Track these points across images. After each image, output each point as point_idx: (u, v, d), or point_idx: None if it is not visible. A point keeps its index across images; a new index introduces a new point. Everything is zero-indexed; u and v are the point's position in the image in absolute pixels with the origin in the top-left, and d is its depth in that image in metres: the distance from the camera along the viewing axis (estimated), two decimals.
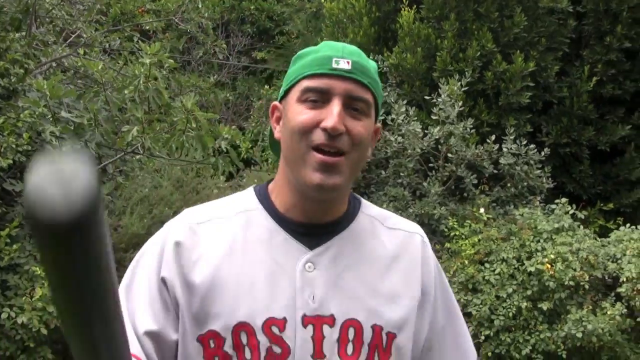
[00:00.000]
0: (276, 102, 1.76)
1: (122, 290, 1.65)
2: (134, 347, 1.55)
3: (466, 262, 8.65)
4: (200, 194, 8.55)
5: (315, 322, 1.60)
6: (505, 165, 9.74)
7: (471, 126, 9.84)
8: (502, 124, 10.44)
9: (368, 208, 1.86)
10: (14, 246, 6.88)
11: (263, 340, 1.57)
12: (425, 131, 9.96)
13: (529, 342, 8.05)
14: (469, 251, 8.71)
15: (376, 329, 1.65)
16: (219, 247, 1.66)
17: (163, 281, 1.64)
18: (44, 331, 6.67)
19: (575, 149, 10.93)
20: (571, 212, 8.86)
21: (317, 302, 1.61)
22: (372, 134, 1.72)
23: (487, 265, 8.55)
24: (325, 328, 1.60)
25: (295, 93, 1.65)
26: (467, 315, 8.34)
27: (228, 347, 1.58)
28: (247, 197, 1.76)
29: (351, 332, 1.62)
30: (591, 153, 11.11)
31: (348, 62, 1.62)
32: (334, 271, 1.65)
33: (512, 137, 9.78)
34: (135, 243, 7.74)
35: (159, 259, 1.66)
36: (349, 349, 1.61)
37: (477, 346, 8.29)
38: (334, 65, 1.61)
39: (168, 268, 1.64)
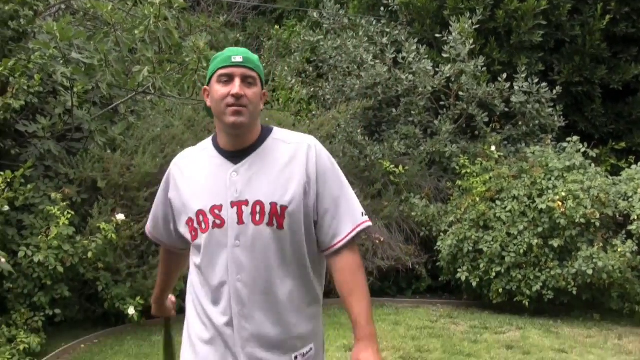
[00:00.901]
0: (205, 86, 2.91)
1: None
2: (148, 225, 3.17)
3: (477, 199, 8.69)
4: (212, 133, 8.55)
5: (238, 204, 2.76)
6: (517, 104, 9.73)
7: (482, 64, 9.81)
8: (513, 63, 10.40)
9: (276, 133, 2.95)
10: (29, 186, 6.94)
11: (211, 218, 2.78)
12: (436, 69, 9.94)
13: (540, 279, 8.12)
14: (480, 189, 8.75)
15: (273, 204, 2.75)
16: (189, 170, 2.93)
17: (169, 199, 2.97)
18: (60, 269, 6.76)
19: (587, 87, 10.89)
20: (582, 150, 8.87)
21: (238, 193, 2.77)
22: (261, 95, 2.86)
23: (498, 202, 8.59)
24: (243, 207, 2.76)
25: (214, 78, 2.81)
26: (479, 252, 8.41)
27: (196, 224, 2.82)
28: (207, 141, 2.98)
29: (258, 208, 2.76)
30: (603, 92, 11.08)
31: (240, 57, 2.80)
32: (248, 175, 2.80)
33: (523, 76, 9.74)
34: (148, 182, 7.78)
35: (165, 186, 3.00)
36: (257, 217, 2.75)
37: (488, 282, 8.37)
38: (233, 60, 2.79)
39: (169, 189, 2.98)
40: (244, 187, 2.78)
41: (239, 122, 2.75)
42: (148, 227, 3.18)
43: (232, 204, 2.76)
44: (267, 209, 2.75)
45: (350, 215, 2.84)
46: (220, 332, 2.83)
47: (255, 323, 2.77)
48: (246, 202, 2.76)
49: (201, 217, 2.80)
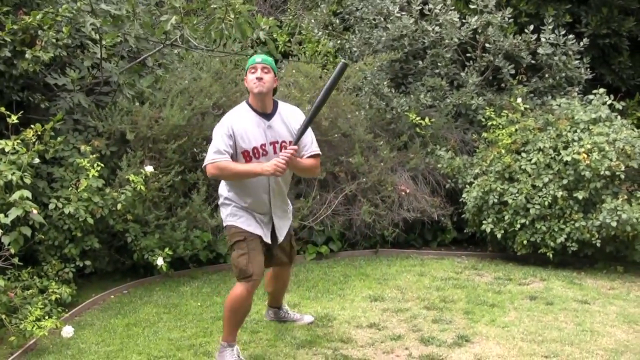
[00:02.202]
0: (245, 77, 5.39)
1: (217, 133, 5.21)
2: (223, 149, 5.17)
3: (503, 151, 8.70)
4: (239, 86, 8.59)
5: (273, 143, 5.27)
6: (544, 56, 9.68)
7: (509, 16, 9.75)
8: (540, 14, 10.32)
9: (281, 104, 5.44)
10: (58, 139, 7.04)
11: (260, 151, 5.24)
12: (463, 21, 9.90)
13: (564, 231, 8.14)
14: (505, 141, 8.75)
15: (290, 141, 5.28)
16: (239, 123, 5.23)
17: (230, 134, 5.17)
18: (90, 221, 6.89)
19: (615, 39, 10.80)
20: (609, 102, 8.83)
21: (271, 137, 5.27)
22: (273, 79, 5.30)
23: (523, 154, 8.59)
24: (276, 145, 5.27)
25: (248, 73, 5.28)
26: (504, 204, 8.45)
27: (251, 154, 5.22)
28: (244, 105, 5.36)
29: (283, 144, 5.28)
30: (631, 44, 10.98)
31: (260, 59, 5.27)
32: (275, 126, 5.28)
33: (550, 27, 9.68)
34: (176, 134, 7.85)
35: (226, 131, 5.18)
36: (279, 150, 5.26)
37: (513, 234, 8.42)
38: (256, 61, 5.26)
39: (230, 130, 5.18)
40: (275, 133, 5.29)
41: (260, 90, 5.20)
42: (221, 149, 5.13)
43: (271, 143, 5.27)
44: (286, 144, 5.27)
45: (313, 145, 5.44)
46: (268, 206, 5.42)
47: (277, 204, 5.48)
48: (277, 142, 5.29)
49: (254, 151, 5.22)
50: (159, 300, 7.09)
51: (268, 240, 5.44)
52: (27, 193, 6.01)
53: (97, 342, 5.85)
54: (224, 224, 5.49)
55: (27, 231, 6.16)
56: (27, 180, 6.19)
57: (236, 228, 5.33)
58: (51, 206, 6.81)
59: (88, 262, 7.21)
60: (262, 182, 5.28)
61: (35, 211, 6.10)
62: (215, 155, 5.10)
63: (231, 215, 5.38)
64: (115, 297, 7.28)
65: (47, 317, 5.86)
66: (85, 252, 7.26)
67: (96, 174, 6.96)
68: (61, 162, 7.33)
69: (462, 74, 9.91)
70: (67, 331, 5.74)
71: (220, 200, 5.50)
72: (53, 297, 6.32)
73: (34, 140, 6.54)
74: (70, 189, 6.99)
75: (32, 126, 6.63)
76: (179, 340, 5.83)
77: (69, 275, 6.92)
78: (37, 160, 6.53)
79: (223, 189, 5.48)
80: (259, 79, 5.16)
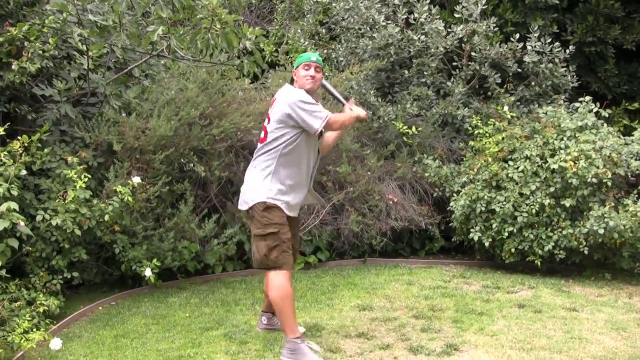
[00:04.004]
0: (294, 70, 5.74)
1: (305, 100, 5.50)
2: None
3: (490, 159, 8.73)
4: (226, 96, 8.59)
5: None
6: (530, 64, 9.72)
7: (495, 24, 9.78)
8: (527, 23, 10.37)
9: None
10: (45, 151, 7.02)
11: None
12: (448, 29, 9.93)
13: (552, 239, 8.16)
14: (492, 149, 8.78)
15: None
16: None
17: None
18: (78, 232, 6.86)
19: (600, 47, 10.86)
20: (595, 110, 8.86)
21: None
22: (322, 76, 5.73)
23: (510, 162, 8.62)
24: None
25: (300, 67, 5.67)
26: (491, 212, 8.46)
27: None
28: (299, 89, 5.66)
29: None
30: (617, 52, 11.04)
31: (314, 58, 5.66)
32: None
33: (536, 35, 9.71)
34: (163, 145, 7.84)
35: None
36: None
37: (501, 242, 8.44)
38: (312, 59, 5.66)
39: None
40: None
41: (310, 87, 5.62)
42: (321, 109, 5.52)
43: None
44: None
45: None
46: (307, 183, 5.82)
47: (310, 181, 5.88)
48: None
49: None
50: (147, 312, 7.07)
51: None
52: (14, 205, 5.98)
53: (86, 354, 5.82)
54: (262, 199, 5.53)
55: (15, 243, 6.14)
56: (14, 192, 6.16)
57: (274, 214, 5.48)
58: (38, 218, 6.77)
59: (76, 274, 7.18)
60: (311, 158, 5.73)
61: (22, 223, 6.07)
62: (324, 113, 5.46)
63: (279, 193, 5.53)
64: (104, 309, 7.25)
65: (35, 330, 5.82)
66: (73, 264, 7.25)
67: (83, 185, 6.93)
68: (48, 174, 7.30)
69: (449, 83, 9.93)
70: (55, 343, 5.71)
71: (266, 173, 5.55)
72: (41, 309, 6.29)
73: (20, 151, 6.51)
74: (57, 200, 6.96)
75: (19, 138, 6.61)
76: (167, 351, 5.81)
77: (56, 287, 6.88)
78: (24, 172, 6.49)
79: (266, 166, 5.56)
80: (312, 77, 5.60)
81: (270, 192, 5.48)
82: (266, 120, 5.63)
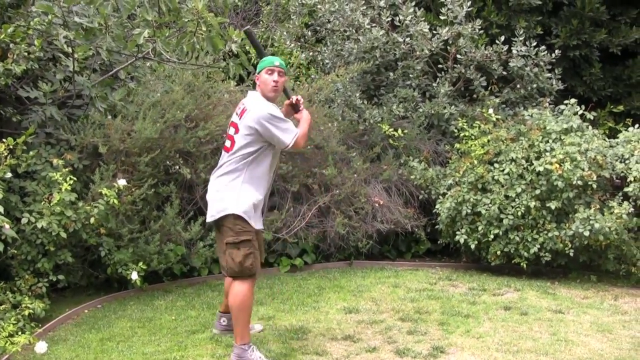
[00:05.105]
0: (257, 74, 5.76)
1: (274, 113, 5.52)
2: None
3: (475, 162, 8.75)
4: (212, 98, 8.58)
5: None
6: (515, 67, 9.73)
7: (480, 27, 9.80)
8: (511, 26, 10.39)
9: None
10: (31, 153, 6.99)
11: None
12: (434, 32, 9.94)
13: (537, 241, 8.19)
14: (478, 152, 8.80)
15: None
16: None
17: None
18: (63, 235, 6.82)
19: (585, 51, 10.88)
20: (580, 112, 8.89)
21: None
22: (285, 80, 5.75)
23: (496, 165, 8.63)
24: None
25: (263, 71, 5.68)
26: (477, 215, 8.48)
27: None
28: (260, 96, 5.67)
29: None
30: (602, 55, 11.06)
31: (278, 63, 5.67)
32: None
33: (521, 39, 9.73)
34: (149, 147, 7.82)
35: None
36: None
37: (487, 245, 8.46)
38: (275, 64, 5.66)
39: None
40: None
41: (275, 95, 5.67)
42: (290, 124, 5.60)
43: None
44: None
45: None
46: (268, 188, 5.81)
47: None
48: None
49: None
50: (133, 315, 7.05)
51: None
52: None
53: (71, 358, 5.80)
54: (234, 212, 5.48)
55: (0, 246, 6.12)
56: None
57: (249, 225, 5.50)
58: (24, 220, 6.74)
59: (61, 277, 7.14)
60: (274, 166, 5.82)
61: (7, 226, 6.05)
62: (294, 129, 5.58)
63: (249, 208, 5.50)
64: (89, 312, 7.22)
65: (20, 333, 5.80)
66: (59, 267, 7.21)
67: (69, 188, 6.90)
68: (33, 176, 7.27)
69: (434, 84, 9.95)
70: (41, 347, 5.67)
71: (236, 184, 5.52)
72: (26, 312, 6.26)
73: (5, 154, 6.48)
74: (42, 203, 6.92)
75: (3, 140, 6.58)
76: (153, 355, 5.80)
77: (42, 290, 6.85)
78: (9, 175, 6.46)
79: (235, 177, 5.54)
80: (276, 82, 5.61)
81: (243, 206, 5.48)
82: (232, 129, 5.66)
